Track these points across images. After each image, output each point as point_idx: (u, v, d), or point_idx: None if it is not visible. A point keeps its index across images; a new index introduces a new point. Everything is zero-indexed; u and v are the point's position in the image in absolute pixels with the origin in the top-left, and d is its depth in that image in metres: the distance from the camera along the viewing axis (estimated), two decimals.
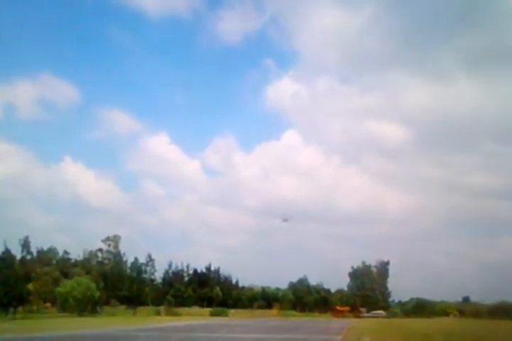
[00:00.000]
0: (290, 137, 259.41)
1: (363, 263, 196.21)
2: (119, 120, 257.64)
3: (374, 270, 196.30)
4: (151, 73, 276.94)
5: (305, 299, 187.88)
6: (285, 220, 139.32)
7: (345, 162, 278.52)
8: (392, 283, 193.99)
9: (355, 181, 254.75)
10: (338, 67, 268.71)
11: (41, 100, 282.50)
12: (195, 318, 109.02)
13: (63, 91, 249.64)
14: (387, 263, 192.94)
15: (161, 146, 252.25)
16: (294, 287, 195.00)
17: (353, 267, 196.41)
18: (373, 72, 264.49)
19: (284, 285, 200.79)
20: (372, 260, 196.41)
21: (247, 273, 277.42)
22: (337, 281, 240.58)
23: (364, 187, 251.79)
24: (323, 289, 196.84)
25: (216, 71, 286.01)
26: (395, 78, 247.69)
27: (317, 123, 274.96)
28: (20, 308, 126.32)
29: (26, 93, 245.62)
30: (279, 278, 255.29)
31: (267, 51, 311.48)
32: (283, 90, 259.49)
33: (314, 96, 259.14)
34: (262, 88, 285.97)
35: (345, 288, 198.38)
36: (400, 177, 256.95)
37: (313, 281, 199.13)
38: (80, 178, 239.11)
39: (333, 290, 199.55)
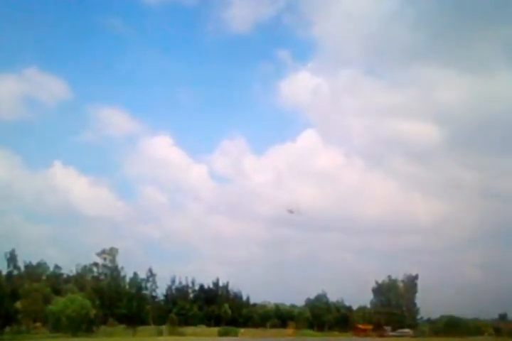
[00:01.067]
0: (307, 138, 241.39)
1: (389, 277, 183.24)
2: (115, 120, 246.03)
3: (401, 285, 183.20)
4: (151, 67, 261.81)
5: (323, 317, 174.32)
6: (290, 212, 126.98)
7: (368, 165, 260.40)
8: (420, 299, 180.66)
9: (379, 186, 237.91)
10: (362, 59, 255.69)
11: (27, 98, 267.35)
12: (201, 339, 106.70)
13: (51, 87, 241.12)
14: (416, 277, 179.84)
15: (162, 149, 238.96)
16: (311, 304, 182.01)
17: (377, 282, 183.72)
18: (402, 64, 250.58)
19: (300, 301, 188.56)
20: (398, 274, 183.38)
21: (259, 288, 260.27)
22: (359, 297, 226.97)
23: (389, 192, 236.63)
24: (344, 306, 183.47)
25: (224, 64, 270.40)
26: (426, 71, 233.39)
27: (338, 122, 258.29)
28: (7, 328, 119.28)
29: (9, 90, 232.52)
30: (294, 294, 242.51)
31: (281, 41, 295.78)
32: (300, 85, 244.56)
33: (335, 92, 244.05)
34: (276, 83, 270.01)
35: (368, 305, 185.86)
36: (430, 181, 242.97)
37: (332, 298, 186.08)
38: (72, 185, 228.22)
39: (354, 307, 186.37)
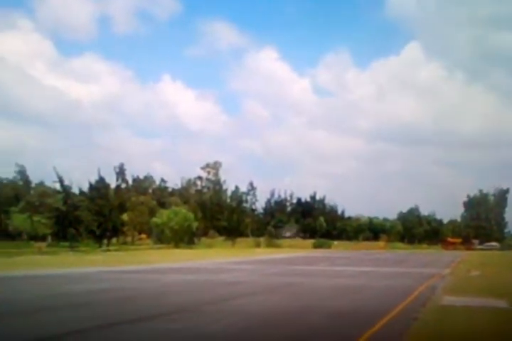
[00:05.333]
0: (411, 51, 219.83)
1: (480, 191, 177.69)
2: (223, 34, 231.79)
3: (491, 199, 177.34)
4: None
5: (414, 230, 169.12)
6: None
7: (470, 79, 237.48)
8: (509, 213, 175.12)
9: (479, 101, 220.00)
10: None
11: (140, 12, 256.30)
12: (297, 250, 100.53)
13: (163, 1, 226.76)
14: (507, 191, 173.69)
15: (267, 63, 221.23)
16: (403, 217, 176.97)
17: (468, 196, 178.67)
18: None
19: (392, 215, 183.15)
20: (490, 188, 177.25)
21: (354, 202, 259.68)
22: (450, 211, 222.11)
23: (488, 107, 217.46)
24: (435, 220, 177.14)
25: None
26: None
27: (442, 34, 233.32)
28: (114, 240, 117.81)
29: (125, 4, 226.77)
30: (387, 208, 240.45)
31: None
32: None
33: (441, 3, 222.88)
34: None
35: (459, 219, 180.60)
36: None
37: (424, 211, 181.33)
38: (179, 99, 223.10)
39: (445, 221, 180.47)
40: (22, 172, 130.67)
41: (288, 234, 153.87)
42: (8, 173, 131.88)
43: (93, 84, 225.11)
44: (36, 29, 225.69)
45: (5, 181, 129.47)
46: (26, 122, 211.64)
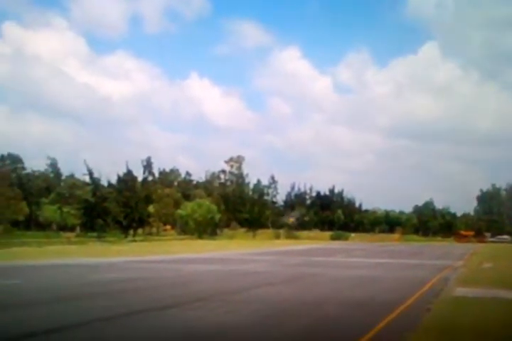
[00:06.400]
0: (428, 50, 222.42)
1: (493, 186, 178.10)
2: (249, 33, 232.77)
3: (503, 193, 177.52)
4: None
5: (429, 223, 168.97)
6: None
7: (485, 78, 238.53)
8: None
9: (493, 99, 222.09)
10: None
11: (169, 11, 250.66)
12: (315, 242, 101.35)
13: (192, 1, 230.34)
14: None
15: (291, 61, 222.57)
16: (418, 210, 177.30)
17: (481, 190, 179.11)
18: None
19: (408, 208, 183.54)
20: (502, 183, 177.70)
21: (371, 195, 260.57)
22: (464, 205, 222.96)
23: (502, 105, 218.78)
24: (449, 213, 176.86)
25: None
26: None
27: (459, 34, 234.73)
28: (140, 230, 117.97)
29: (154, 4, 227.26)
30: (403, 202, 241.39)
31: None
32: None
33: (459, 4, 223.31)
34: None
35: (472, 212, 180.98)
36: None
37: (439, 205, 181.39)
38: (206, 96, 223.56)
39: (458, 215, 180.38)
40: (53, 165, 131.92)
41: (291, 218, 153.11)
42: (40, 166, 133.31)
43: (123, 81, 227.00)
44: (70, 28, 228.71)
45: (37, 173, 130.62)
46: (59, 117, 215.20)
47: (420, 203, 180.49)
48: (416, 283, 25.37)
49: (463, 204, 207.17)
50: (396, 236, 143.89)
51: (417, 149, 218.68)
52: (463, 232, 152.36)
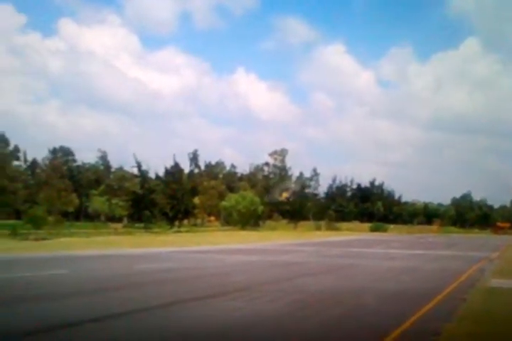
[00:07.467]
0: (469, 45, 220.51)
1: None
2: (295, 28, 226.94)
3: None
4: None
5: (466, 215, 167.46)
6: None
7: None
8: None
9: None
10: None
11: (219, 7, 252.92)
12: (354, 233, 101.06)
13: None
14: None
15: (335, 56, 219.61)
16: (456, 202, 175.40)
17: None
18: None
19: (446, 200, 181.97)
20: None
21: (411, 188, 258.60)
22: (501, 197, 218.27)
23: None
24: (486, 205, 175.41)
25: None
26: None
27: (500, 29, 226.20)
28: (185, 221, 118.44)
29: (203, 1, 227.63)
30: (442, 194, 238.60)
31: None
32: None
33: None
34: None
35: (508, 204, 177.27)
36: None
37: (476, 197, 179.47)
38: (252, 90, 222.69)
39: (496, 207, 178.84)
40: (103, 158, 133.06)
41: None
42: (91, 158, 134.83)
43: (172, 76, 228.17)
44: (123, 24, 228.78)
45: (87, 166, 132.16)
46: (110, 111, 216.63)
47: (458, 195, 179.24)
48: (452, 274, 25.20)
49: (500, 196, 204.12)
50: (434, 227, 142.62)
51: (456, 142, 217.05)
52: (500, 224, 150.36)
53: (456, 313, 13.72)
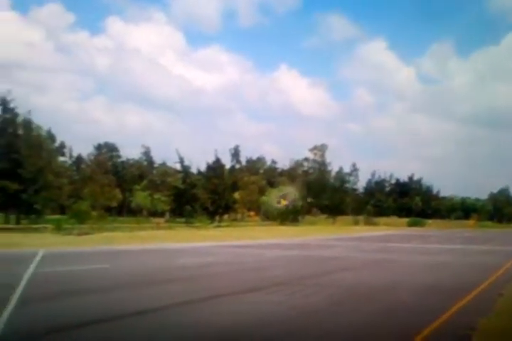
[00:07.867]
0: (510, 41, 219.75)
1: None
2: (337, 25, 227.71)
3: None
4: None
5: (504, 210, 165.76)
6: None
7: None
8: None
9: None
10: None
11: (262, 5, 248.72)
12: (392, 228, 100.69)
13: None
14: None
15: (377, 53, 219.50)
16: (494, 198, 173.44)
17: None
18: None
19: (484, 195, 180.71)
20: None
21: (449, 183, 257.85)
22: None
23: None
24: None
25: None
26: None
27: None
28: (225, 216, 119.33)
29: None
30: (480, 189, 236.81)
31: None
32: None
33: None
34: None
35: None
36: None
37: None
38: (294, 86, 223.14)
39: None
40: (147, 153, 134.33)
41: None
42: (135, 154, 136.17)
43: (216, 73, 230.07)
44: (169, 22, 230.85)
45: (131, 161, 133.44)
46: (155, 107, 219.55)
47: (496, 190, 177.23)
48: (489, 269, 24.99)
49: None
50: (471, 222, 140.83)
51: (494, 137, 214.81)
52: None
53: (493, 308, 13.65)
